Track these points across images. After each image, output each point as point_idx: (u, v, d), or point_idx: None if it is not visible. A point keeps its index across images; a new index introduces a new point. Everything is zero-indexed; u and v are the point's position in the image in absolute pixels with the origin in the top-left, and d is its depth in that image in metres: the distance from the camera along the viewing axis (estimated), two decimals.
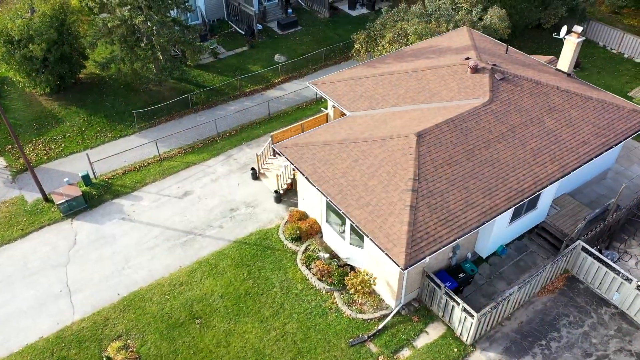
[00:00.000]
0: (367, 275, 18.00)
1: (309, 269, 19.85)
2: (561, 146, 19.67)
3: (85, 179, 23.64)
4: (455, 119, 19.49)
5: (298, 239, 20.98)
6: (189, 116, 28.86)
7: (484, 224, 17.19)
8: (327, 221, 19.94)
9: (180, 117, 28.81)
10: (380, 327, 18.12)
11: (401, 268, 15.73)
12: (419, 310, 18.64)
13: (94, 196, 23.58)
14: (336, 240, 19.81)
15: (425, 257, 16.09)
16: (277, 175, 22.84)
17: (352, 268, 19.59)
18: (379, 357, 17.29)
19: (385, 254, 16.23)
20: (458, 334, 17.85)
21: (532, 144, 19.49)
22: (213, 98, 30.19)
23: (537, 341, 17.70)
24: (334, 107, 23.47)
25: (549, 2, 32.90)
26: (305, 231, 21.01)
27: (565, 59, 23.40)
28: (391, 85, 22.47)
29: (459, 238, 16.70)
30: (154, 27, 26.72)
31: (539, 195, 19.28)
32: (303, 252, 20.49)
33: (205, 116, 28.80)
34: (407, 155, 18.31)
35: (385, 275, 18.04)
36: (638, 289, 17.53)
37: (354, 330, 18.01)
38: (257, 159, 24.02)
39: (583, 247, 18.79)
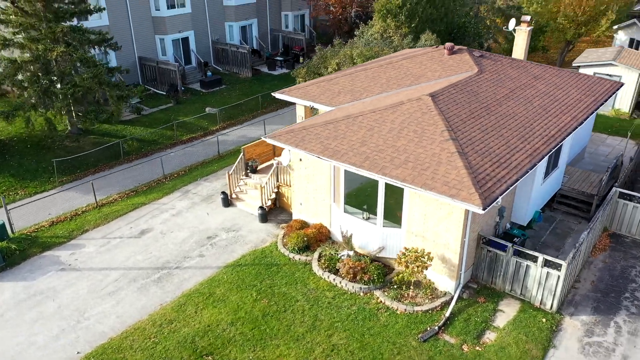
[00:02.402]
0: (418, 251, 14.51)
1: (335, 273, 15.79)
2: (561, 104, 19.00)
3: (0, 230, 17.68)
4: (457, 84, 18.11)
5: (306, 248, 16.98)
6: (120, 167, 24.23)
7: (535, 164, 15.14)
8: (345, 211, 16.40)
9: (111, 168, 24.07)
10: (447, 314, 14.37)
11: (480, 209, 12.74)
12: (480, 291, 15.34)
13: (14, 251, 17.56)
14: (360, 232, 16.21)
15: (499, 196, 13.36)
16: (260, 187, 19.05)
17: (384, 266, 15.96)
18: (462, 346, 13.39)
19: (453, 200, 13.18)
20: (538, 303, 14.71)
21: (536, 102, 18.57)
22: (146, 147, 26.03)
23: (620, 295, 15.22)
24: (311, 108, 20.95)
25: (462, 37, 35.07)
26: (314, 237, 17.16)
27: (520, 48, 23.94)
28: (369, 78, 20.80)
29: (521, 177, 14.36)
30: (75, 64, 22.90)
31: (560, 150, 17.99)
32: (318, 260, 16.44)
33: (141, 165, 24.36)
34: (429, 113, 16.15)
35: (439, 250, 14.75)
36: None
37: (416, 325, 14.05)
38: (229, 178, 20.09)
39: (620, 193, 17.40)
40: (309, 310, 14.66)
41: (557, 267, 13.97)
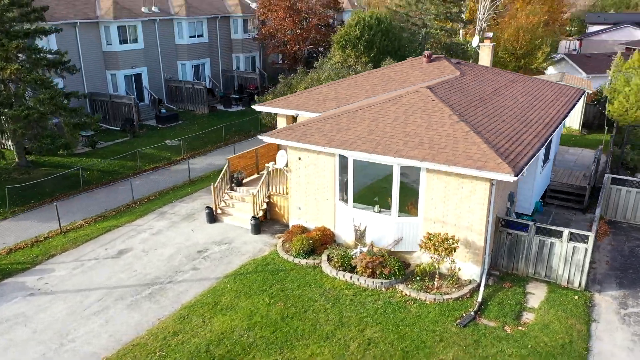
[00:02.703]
0: (441, 235, 13.72)
1: (351, 271, 14.59)
2: (543, 101, 19.58)
3: None
4: (447, 82, 18.23)
5: (311, 252, 15.71)
6: (79, 196, 21.97)
7: (544, 143, 15.16)
8: (354, 206, 15.41)
9: (69, 197, 21.75)
10: (479, 299, 13.51)
11: (512, 176, 12.36)
12: (503, 278, 14.66)
13: None
14: (372, 226, 15.21)
15: (524, 165, 13.08)
16: (252, 195, 17.70)
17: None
18: (504, 327, 12.50)
19: (481, 171, 12.72)
20: (565, 282, 14.23)
21: (521, 99, 19.01)
22: (107, 177, 23.94)
23: (638, 271, 15.11)
24: (295, 118, 20.19)
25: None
26: (319, 240, 15.98)
27: (485, 62, 24.87)
28: (352, 86, 20.54)
29: (536, 152, 14.26)
30: (28, 86, 21.05)
31: (551, 142, 18.30)
32: (329, 261, 15.20)
33: (104, 193, 22.26)
34: (431, 102, 15.95)
35: (461, 234, 14.07)
36: None
37: (450, 312, 13.06)
38: (214, 191, 18.59)
39: (612, 178, 17.78)
40: (332, 309, 13.25)
41: (584, 239, 13.65)
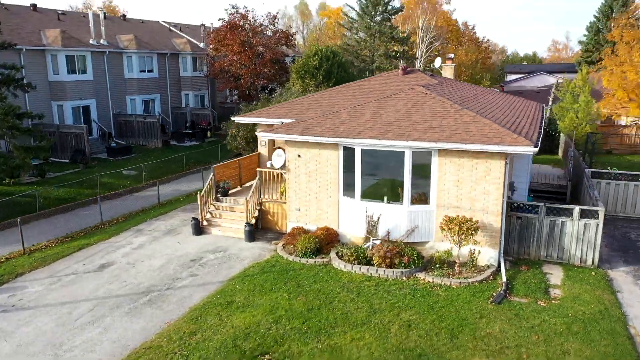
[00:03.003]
0: (460, 217, 13.49)
1: (367, 264, 13.88)
2: (519, 104, 20.47)
3: None
4: (431, 84, 18.64)
5: (317, 251, 14.86)
6: (38, 222, 19.78)
7: (541, 127, 15.64)
8: (363, 199, 14.87)
9: (25, 222, 19.47)
10: (504, 279, 13.22)
11: (532, 147, 12.53)
12: (517, 262, 14.54)
13: None
14: (383, 217, 14.70)
15: (538, 140, 13.33)
16: (246, 200, 16.70)
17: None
18: (537, 302, 12.22)
19: (500, 146, 12.79)
20: (578, 261, 14.33)
21: (499, 101, 19.79)
22: (64, 203, 21.85)
23: (637, 250, 15.62)
24: (268, 140, 19.57)
25: None
26: (325, 239, 15.19)
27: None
28: (333, 97, 20.50)
29: (541, 131, 14.62)
30: None
31: None
32: (340, 257, 14.42)
33: (64, 218, 20.21)
34: (429, 96, 16.16)
35: (476, 218, 13.89)
36: None
37: (480, 293, 12.65)
38: (200, 201, 17.37)
39: (592, 172, 18.62)
40: (358, 299, 12.39)
41: (595, 215, 13.91)
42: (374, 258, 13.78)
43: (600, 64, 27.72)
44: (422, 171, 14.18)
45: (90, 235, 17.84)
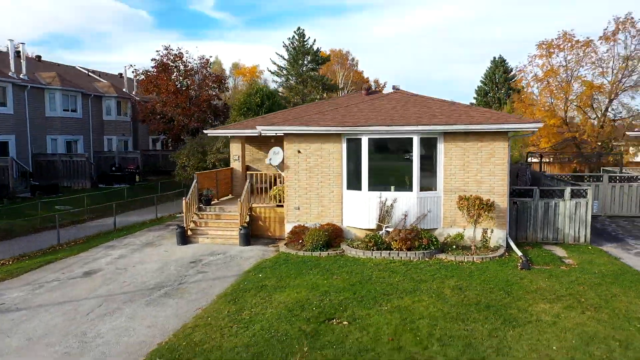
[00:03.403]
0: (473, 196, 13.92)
1: (386, 249, 13.66)
2: None
3: None
4: (401, 92, 19.56)
5: (326, 245, 14.37)
6: None
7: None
8: (370, 189, 14.78)
9: None
10: (520, 254, 13.67)
11: (540, 124, 13.49)
12: (519, 245, 15.07)
13: None
14: (395, 206, 14.68)
15: (539, 121, 14.37)
16: (240, 202, 15.81)
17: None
18: (560, 267, 12.73)
19: (508, 124, 13.64)
20: (572, 240, 15.30)
21: None
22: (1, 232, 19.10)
23: (615, 232, 17.03)
24: (238, 157, 19.17)
25: None
26: (333, 232, 14.77)
27: None
28: (311, 108, 20.62)
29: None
30: None
31: None
32: (355, 247, 14.05)
33: (7, 244, 17.61)
34: (415, 97, 17.01)
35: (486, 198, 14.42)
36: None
37: (505, 264, 12.92)
38: (185, 207, 16.12)
39: (545, 176, 20.29)
40: (395, 275, 12.03)
41: (584, 193, 15.07)
42: (392, 243, 13.57)
43: None
44: (428, 158, 14.54)
45: (51, 253, 15.61)
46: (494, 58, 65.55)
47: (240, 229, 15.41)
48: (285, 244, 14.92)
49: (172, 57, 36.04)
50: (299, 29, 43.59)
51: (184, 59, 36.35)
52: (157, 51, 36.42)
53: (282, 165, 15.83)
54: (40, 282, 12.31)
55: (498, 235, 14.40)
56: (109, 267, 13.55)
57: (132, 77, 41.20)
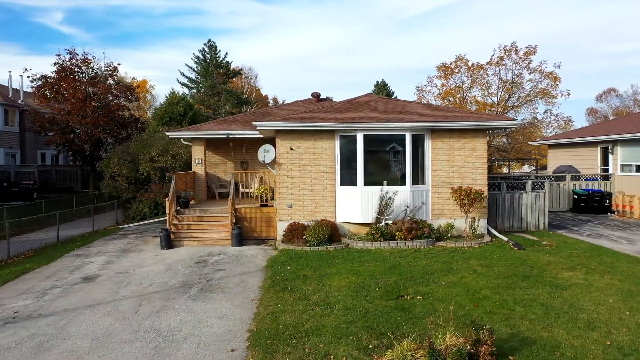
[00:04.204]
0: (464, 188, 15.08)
1: (391, 239, 14.20)
2: None
3: None
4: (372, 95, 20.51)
5: (328, 240, 14.52)
6: None
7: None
8: (365, 184, 15.22)
9: None
10: (506, 239, 15.07)
11: (515, 121, 15.11)
12: (493, 235, 16.61)
13: None
14: (392, 200, 15.27)
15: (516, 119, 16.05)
16: (230, 200, 15.24)
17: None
18: (545, 247, 14.29)
19: (490, 122, 15.09)
20: (533, 227, 17.19)
21: None
22: None
23: (568, 224, 19.26)
24: (201, 160, 18.60)
25: None
26: (332, 229, 14.93)
27: None
28: (260, 114, 20.57)
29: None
30: None
31: None
32: (360, 240, 14.38)
33: None
34: (387, 98, 17.93)
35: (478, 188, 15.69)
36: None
37: (500, 248, 14.16)
38: (169, 207, 15.11)
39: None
40: (419, 260, 12.57)
41: (541, 186, 17.07)
42: (397, 233, 14.13)
43: None
44: (417, 154, 15.42)
45: (13, 265, 13.56)
46: (377, 82, 70.35)
47: (233, 229, 14.84)
48: (282, 242, 14.67)
49: (77, 62, 33.21)
50: (209, 41, 42.84)
51: (91, 65, 33.71)
52: (57, 55, 33.16)
53: (273, 164, 15.61)
54: (37, 290, 10.72)
55: (481, 224, 15.68)
56: (105, 272, 12.20)
57: (18, 85, 37.00)
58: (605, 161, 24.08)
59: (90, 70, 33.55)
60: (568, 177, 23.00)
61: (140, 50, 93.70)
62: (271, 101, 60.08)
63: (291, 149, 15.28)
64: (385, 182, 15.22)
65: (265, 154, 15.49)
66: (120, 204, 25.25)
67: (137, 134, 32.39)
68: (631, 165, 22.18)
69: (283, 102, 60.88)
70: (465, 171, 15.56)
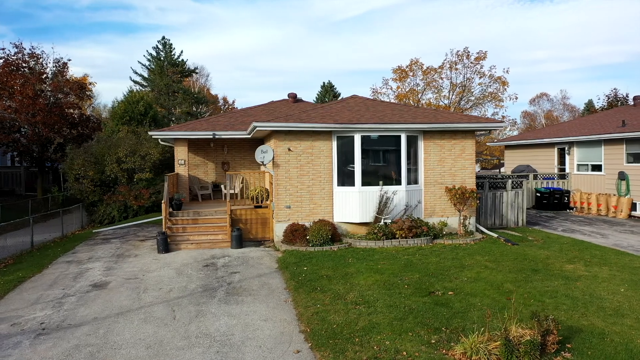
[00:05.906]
0: (457, 187, 15.69)
1: (393, 238, 14.55)
2: None
3: None
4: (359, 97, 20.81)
5: (331, 240, 14.67)
6: None
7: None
8: (363, 184, 15.46)
9: None
10: (496, 236, 15.82)
11: (503, 123, 15.90)
12: (478, 231, 17.37)
13: None
14: (390, 200, 15.60)
15: (503, 121, 16.84)
16: (228, 203, 15.00)
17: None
18: (534, 242, 15.16)
19: (479, 123, 15.79)
20: (513, 224, 18.12)
21: None
22: None
23: (540, 222, 20.40)
24: (184, 161, 18.25)
25: None
26: (332, 229, 15.07)
27: None
28: (244, 115, 20.38)
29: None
30: None
31: None
32: (362, 240, 14.62)
33: None
34: (376, 100, 18.29)
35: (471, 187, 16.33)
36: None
37: (494, 244, 14.84)
38: (165, 209, 14.65)
39: None
40: (429, 257, 12.97)
41: (520, 185, 18.04)
42: (398, 232, 14.48)
43: None
44: (411, 154, 15.86)
45: (1, 274, 12.67)
46: (324, 83, 71.00)
47: (233, 231, 14.62)
48: (282, 243, 14.63)
49: (25, 57, 31.20)
50: (163, 38, 41.51)
51: (40, 60, 31.78)
52: (2, 49, 30.97)
53: (271, 164, 15.51)
54: (50, 300, 10.13)
55: (472, 222, 16.35)
56: (113, 278, 11.69)
57: None
58: (562, 161, 25.73)
59: (40, 66, 31.61)
60: (531, 176, 24.39)
61: (62, 45, 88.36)
62: (221, 101, 59.09)
63: (289, 149, 15.24)
64: (381, 182, 15.51)
65: (264, 154, 15.35)
66: (84, 207, 24.09)
67: (91, 133, 30.97)
68: (587, 165, 23.84)
69: (234, 102, 60.10)
70: (455, 171, 16.17)
